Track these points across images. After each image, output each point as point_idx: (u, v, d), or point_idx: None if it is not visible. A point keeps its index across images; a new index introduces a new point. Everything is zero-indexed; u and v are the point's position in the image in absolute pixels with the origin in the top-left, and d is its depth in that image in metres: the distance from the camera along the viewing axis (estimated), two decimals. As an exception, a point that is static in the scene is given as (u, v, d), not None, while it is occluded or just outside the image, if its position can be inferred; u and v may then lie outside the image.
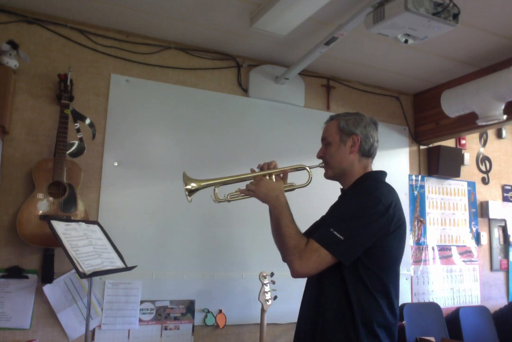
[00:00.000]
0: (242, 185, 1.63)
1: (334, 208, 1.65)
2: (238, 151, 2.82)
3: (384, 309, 1.44)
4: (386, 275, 1.47)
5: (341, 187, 1.67)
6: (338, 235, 1.39)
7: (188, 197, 1.60)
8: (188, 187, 1.60)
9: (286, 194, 1.59)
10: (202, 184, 1.61)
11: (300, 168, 1.67)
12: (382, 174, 1.62)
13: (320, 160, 1.66)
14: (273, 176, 1.63)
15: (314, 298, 1.52)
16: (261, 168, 1.66)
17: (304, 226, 1.64)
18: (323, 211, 1.72)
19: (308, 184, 1.67)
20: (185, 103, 2.74)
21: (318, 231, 1.46)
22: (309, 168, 1.66)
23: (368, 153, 1.61)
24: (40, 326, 2.24)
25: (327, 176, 1.65)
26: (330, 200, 1.70)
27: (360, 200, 1.47)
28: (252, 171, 1.66)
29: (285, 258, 1.48)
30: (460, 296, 3.54)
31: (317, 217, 1.76)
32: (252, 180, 1.61)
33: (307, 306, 1.57)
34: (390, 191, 1.53)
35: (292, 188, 1.66)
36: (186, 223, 2.63)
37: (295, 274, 1.42)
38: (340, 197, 1.68)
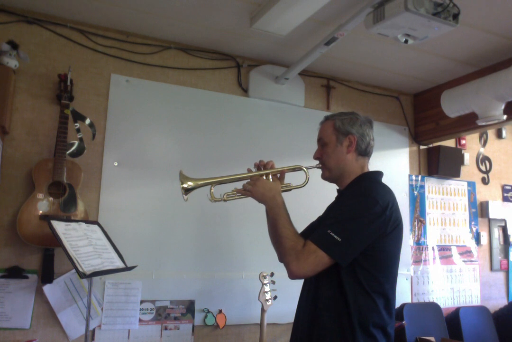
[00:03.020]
0: (239, 185, 1.62)
1: (331, 209, 1.65)
2: (238, 151, 2.82)
3: (381, 309, 1.44)
4: (383, 275, 1.47)
5: (338, 188, 1.67)
6: (336, 237, 1.38)
7: (184, 195, 1.60)
8: (185, 185, 1.59)
9: (283, 194, 1.58)
10: (199, 182, 1.61)
11: (297, 168, 1.66)
12: (378, 174, 1.62)
13: (317, 161, 1.65)
14: (270, 176, 1.62)
15: (311, 299, 1.52)
16: (258, 167, 1.65)
17: (301, 226, 1.63)
18: (320, 211, 1.72)
19: (305, 184, 1.66)
20: (185, 103, 2.74)
21: (316, 232, 1.46)
22: (306, 169, 1.66)
23: (365, 152, 1.61)
24: (40, 326, 2.24)
25: (324, 177, 1.65)
26: (327, 200, 1.70)
27: (357, 201, 1.47)
28: (249, 170, 1.66)
29: (282, 259, 1.47)
30: (460, 296, 3.54)
31: (313, 217, 1.76)
32: (249, 180, 1.61)
33: (304, 306, 1.57)
34: (387, 191, 1.53)
35: (289, 188, 1.65)
36: (186, 222, 2.63)
37: (292, 275, 1.42)
38: (336, 198, 1.68)
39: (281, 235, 1.45)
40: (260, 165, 1.65)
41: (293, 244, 1.42)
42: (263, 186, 1.54)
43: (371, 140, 1.62)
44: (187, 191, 1.60)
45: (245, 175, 1.64)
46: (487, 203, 3.78)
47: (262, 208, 1.60)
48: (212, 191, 1.63)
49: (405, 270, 3.26)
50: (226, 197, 1.62)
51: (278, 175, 1.65)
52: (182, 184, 1.59)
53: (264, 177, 1.61)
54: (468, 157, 3.78)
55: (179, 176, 1.61)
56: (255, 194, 1.54)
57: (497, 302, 3.72)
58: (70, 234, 1.97)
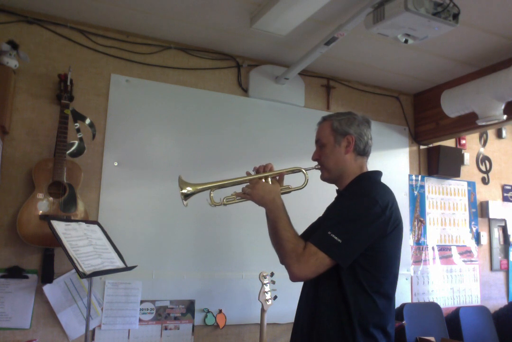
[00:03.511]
0: (238, 188, 1.62)
1: (330, 210, 1.65)
2: (238, 151, 2.82)
3: (382, 309, 1.44)
4: (384, 275, 1.47)
5: (337, 188, 1.66)
6: (336, 238, 1.38)
7: (184, 201, 1.60)
8: (184, 191, 1.59)
9: (283, 196, 1.58)
10: (198, 187, 1.60)
11: (296, 170, 1.66)
12: (377, 174, 1.62)
13: (316, 162, 1.65)
14: (269, 179, 1.61)
15: (311, 299, 1.52)
16: (257, 171, 1.65)
17: (301, 227, 1.63)
18: (320, 212, 1.72)
19: (305, 186, 1.66)
20: (185, 103, 2.74)
21: (316, 233, 1.46)
22: (305, 170, 1.65)
23: (363, 152, 1.61)
24: (40, 326, 2.24)
25: (323, 178, 1.64)
26: (326, 201, 1.70)
27: (357, 202, 1.47)
28: (248, 173, 1.65)
29: (283, 261, 1.47)
30: (460, 296, 3.54)
31: (313, 218, 1.76)
32: (248, 183, 1.60)
33: (305, 306, 1.57)
34: (386, 191, 1.53)
35: (288, 190, 1.64)
36: (186, 222, 2.63)
37: (293, 278, 1.42)
38: (336, 198, 1.68)
39: (281, 238, 1.45)
40: (259, 169, 1.65)
41: (293, 246, 1.41)
42: (263, 189, 1.54)
43: (369, 139, 1.62)
44: (186, 196, 1.60)
45: (244, 178, 1.63)
46: (487, 203, 3.78)
47: (261, 208, 1.60)
48: (211, 195, 1.62)
49: (405, 270, 3.26)
50: (226, 201, 1.61)
51: (277, 177, 1.65)
52: (182, 189, 1.59)
53: (263, 180, 1.60)
54: (468, 157, 3.78)
55: (178, 181, 1.61)
56: (255, 197, 1.54)
57: (497, 302, 3.72)
58: (70, 234, 1.97)
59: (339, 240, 1.38)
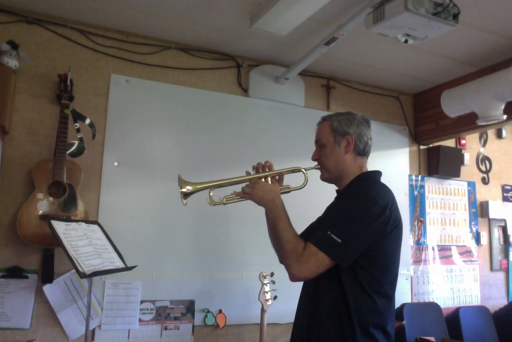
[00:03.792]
0: (238, 188, 1.62)
1: (330, 210, 1.65)
2: (238, 151, 2.82)
3: (381, 309, 1.44)
4: (384, 275, 1.47)
5: (337, 188, 1.66)
6: (336, 238, 1.38)
7: (183, 200, 1.60)
8: (183, 190, 1.59)
9: (282, 196, 1.58)
10: (198, 186, 1.60)
11: (296, 170, 1.66)
12: (377, 174, 1.62)
13: (316, 162, 1.65)
14: (269, 178, 1.61)
15: (311, 299, 1.52)
16: (256, 169, 1.65)
17: (300, 227, 1.63)
18: (320, 212, 1.72)
19: (304, 186, 1.66)
20: (185, 103, 2.74)
21: (316, 234, 1.46)
22: (305, 170, 1.65)
23: (363, 152, 1.61)
24: (40, 326, 2.24)
25: (323, 178, 1.65)
26: (326, 201, 1.70)
27: (357, 202, 1.47)
28: (248, 173, 1.65)
29: (282, 261, 1.47)
30: (460, 296, 3.54)
31: (313, 218, 1.76)
32: (248, 183, 1.60)
33: (304, 307, 1.57)
34: (386, 191, 1.53)
35: (288, 190, 1.64)
36: (186, 222, 2.63)
37: (293, 278, 1.42)
38: (336, 198, 1.68)
39: (281, 238, 1.44)
40: (259, 167, 1.65)
41: (293, 246, 1.41)
42: (262, 189, 1.54)
43: (369, 139, 1.62)
44: (186, 195, 1.59)
45: (244, 178, 1.63)
46: (487, 203, 3.78)
47: (261, 207, 1.59)
48: (211, 194, 1.62)
49: (405, 270, 3.26)
50: (225, 200, 1.61)
51: (277, 177, 1.65)
52: (181, 188, 1.59)
53: (263, 179, 1.60)
54: (468, 157, 3.78)
55: (178, 180, 1.61)
56: (254, 197, 1.54)
57: (497, 302, 3.72)
58: (70, 234, 1.97)
59: (339, 240, 1.38)
